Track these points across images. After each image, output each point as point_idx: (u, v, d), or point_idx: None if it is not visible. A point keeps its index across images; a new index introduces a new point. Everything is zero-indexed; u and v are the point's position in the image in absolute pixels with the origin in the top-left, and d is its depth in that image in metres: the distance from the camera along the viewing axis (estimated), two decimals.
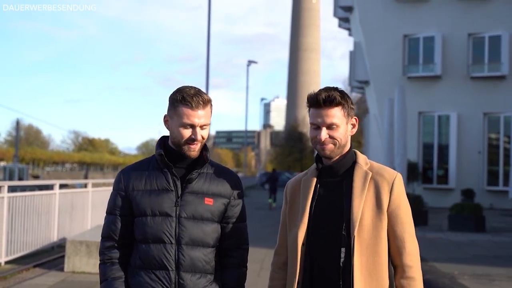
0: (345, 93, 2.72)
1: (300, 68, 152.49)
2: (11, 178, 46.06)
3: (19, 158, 69.20)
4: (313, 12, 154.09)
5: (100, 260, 2.82)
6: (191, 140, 2.74)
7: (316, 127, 2.70)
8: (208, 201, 2.78)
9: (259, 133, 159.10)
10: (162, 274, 2.69)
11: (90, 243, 9.74)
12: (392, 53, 33.87)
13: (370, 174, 2.72)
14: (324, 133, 2.67)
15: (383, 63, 33.99)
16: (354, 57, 37.55)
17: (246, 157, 74.45)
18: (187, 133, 2.73)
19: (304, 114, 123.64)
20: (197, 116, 2.73)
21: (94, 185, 14.76)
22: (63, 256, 10.83)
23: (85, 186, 14.57)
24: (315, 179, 2.78)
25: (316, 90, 2.72)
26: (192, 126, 2.73)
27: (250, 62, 45.22)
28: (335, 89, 2.72)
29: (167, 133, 2.84)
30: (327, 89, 2.71)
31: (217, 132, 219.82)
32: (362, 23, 34.67)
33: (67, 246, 9.90)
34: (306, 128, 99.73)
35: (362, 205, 2.64)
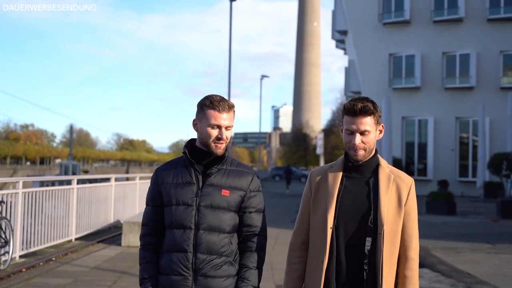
0: (375, 104, 2.59)
1: (303, 80, 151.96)
2: (66, 173, 45.42)
3: (72, 156, 69.72)
4: (315, 33, 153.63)
5: (140, 246, 2.79)
6: (218, 139, 2.66)
7: (350, 133, 2.57)
8: (225, 192, 2.68)
9: (270, 134, 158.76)
10: (182, 255, 2.61)
11: (141, 224, 10.24)
12: (380, 68, 33.76)
13: (393, 176, 2.60)
14: (358, 139, 2.54)
15: (373, 77, 33.85)
16: (348, 72, 37.48)
17: (260, 154, 74.51)
18: (214, 133, 2.66)
19: (308, 118, 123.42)
20: (223, 118, 2.66)
21: (141, 178, 15.22)
22: (119, 234, 11.30)
23: (133, 179, 15.06)
24: (341, 173, 2.62)
25: (354, 99, 2.58)
26: (219, 127, 2.66)
27: (263, 76, 45.41)
28: (368, 99, 2.58)
29: (195, 135, 2.79)
30: (362, 99, 2.57)
31: (235, 134, 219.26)
32: (355, 44, 34.52)
33: (124, 226, 10.34)
34: (309, 130, 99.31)
35: (387, 202, 2.53)
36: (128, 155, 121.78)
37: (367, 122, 2.53)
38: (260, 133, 65.28)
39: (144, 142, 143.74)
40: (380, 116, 2.60)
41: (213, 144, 2.66)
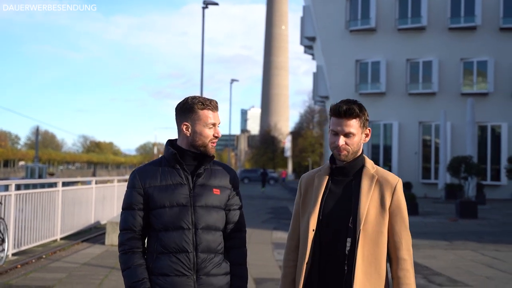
0: (363, 107, 2.62)
1: (271, 83, 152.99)
2: (32, 176, 44.87)
3: (38, 158, 68.83)
4: (283, 37, 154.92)
5: (120, 251, 2.67)
6: (215, 137, 2.69)
7: (335, 134, 2.60)
8: (216, 191, 2.70)
9: (238, 137, 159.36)
10: (183, 256, 2.60)
11: (120, 229, 10.83)
12: (347, 74, 34.79)
13: (376, 177, 2.60)
14: (341, 140, 2.57)
15: (340, 82, 34.84)
16: (317, 77, 38.44)
17: (230, 157, 75.07)
18: (211, 132, 2.68)
19: (276, 121, 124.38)
20: (217, 116, 2.71)
21: (119, 181, 15.77)
22: (101, 234, 11.90)
23: (112, 181, 15.61)
24: (327, 176, 2.66)
25: (338, 101, 2.64)
26: (214, 125, 2.69)
27: (232, 80, 46.18)
28: (355, 102, 2.60)
29: (162, 137, 3.00)
30: (348, 102, 2.60)
31: None
32: (323, 50, 35.48)
33: (107, 226, 10.90)
34: (277, 132, 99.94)
35: (368, 203, 2.53)
36: (95, 158, 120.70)
37: (352, 125, 2.56)
38: (230, 135, 65.87)
39: (111, 144, 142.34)
40: (367, 120, 2.63)
41: (210, 144, 2.68)
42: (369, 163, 2.64)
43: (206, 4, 24.27)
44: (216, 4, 24.27)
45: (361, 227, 2.49)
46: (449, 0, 33.33)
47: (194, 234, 2.61)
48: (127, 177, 17.79)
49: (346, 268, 2.50)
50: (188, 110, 2.68)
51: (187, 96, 2.72)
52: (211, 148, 2.69)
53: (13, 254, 9.07)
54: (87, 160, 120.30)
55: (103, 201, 14.03)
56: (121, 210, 2.75)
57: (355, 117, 2.56)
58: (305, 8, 38.98)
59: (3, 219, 8.40)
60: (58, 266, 8.54)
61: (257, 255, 10.12)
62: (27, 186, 13.47)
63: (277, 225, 15.93)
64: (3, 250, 8.25)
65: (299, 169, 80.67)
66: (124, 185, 15.95)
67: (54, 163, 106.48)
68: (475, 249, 11.80)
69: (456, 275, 8.80)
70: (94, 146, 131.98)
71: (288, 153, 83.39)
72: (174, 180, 2.65)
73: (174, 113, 2.73)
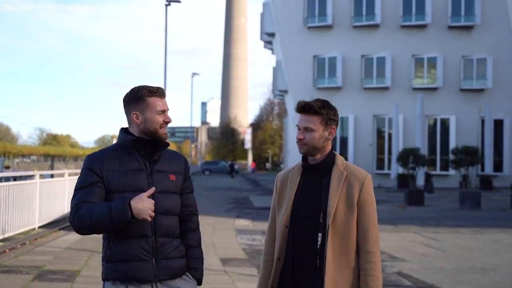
0: (327, 105, 2.69)
1: (231, 75, 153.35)
2: None
3: None
4: (242, 28, 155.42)
5: (73, 220, 2.58)
6: (166, 123, 2.72)
7: (298, 128, 2.70)
8: (172, 177, 2.76)
9: (197, 129, 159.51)
10: (141, 240, 2.62)
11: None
12: (305, 69, 36.19)
13: (345, 173, 2.66)
14: (300, 134, 2.67)
15: (298, 77, 36.22)
16: (276, 72, 39.71)
17: (190, 149, 75.72)
18: (161, 118, 2.70)
19: (235, 112, 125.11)
20: (165, 103, 2.75)
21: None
22: None
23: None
24: (300, 174, 2.75)
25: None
26: (164, 112, 2.72)
27: (194, 74, 46.98)
28: (318, 100, 2.69)
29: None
30: (314, 100, 2.70)
31: None
32: (282, 46, 36.77)
33: None
34: (237, 124, 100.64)
35: (337, 199, 2.60)
36: (52, 150, 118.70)
37: (310, 120, 2.64)
38: (191, 127, 66.57)
39: (68, 137, 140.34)
40: (330, 119, 2.68)
41: (160, 130, 2.71)
42: (339, 160, 2.73)
43: (168, 2, 25.06)
44: (179, 1, 25.07)
45: (330, 222, 2.58)
46: None
47: (153, 219, 2.61)
48: None
49: (318, 261, 2.60)
50: (136, 99, 2.71)
51: (133, 87, 2.76)
52: (163, 133, 2.73)
53: None
54: (44, 153, 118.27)
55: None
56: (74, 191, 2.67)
57: (314, 114, 2.64)
58: (264, 5, 40.11)
59: None
60: (43, 250, 9.46)
61: (222, 239, 11.31)
62: (7, 179, 14.20)
63: (239, 214, 17.11)
64: None
65: (259, 161, 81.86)
66: None
67: (9, 156, 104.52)
68: (417, 231, 13.24)
69: (396, 252, 10.14)
70: (51, 139, 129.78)
71: (248, 145, 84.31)
72: (133, 166, 2.68)
73: (122, 104, 2.77)
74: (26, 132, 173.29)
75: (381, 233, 12.08)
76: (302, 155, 2.74)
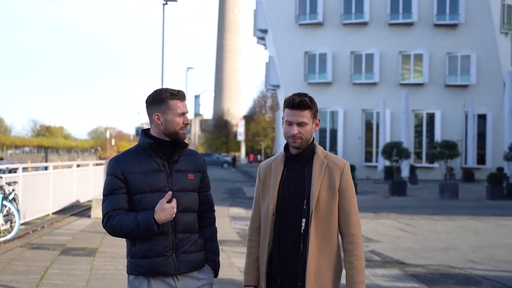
0: (313, 100, 2.79)
1: (224, 67, 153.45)
2: None
3: None
4: (235, 20, 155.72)
5: (107, 227, 2.81)
6: (185, 125, 2.82)
7: (289, 124, 2.76)
8: (191, 176, 2.86)
9: (191, 121, 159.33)
10: (163, 238, 2.75)
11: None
12: (296, 65, 37.36)
13: (326, 162, 2.77)
14: (295, 129, 2.73)
15: (290, 72, 37.40)
16: (269, 67, 40.71)
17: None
18: (181, 120, 2.80)
19: (229, 105, 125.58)
20: (185, 105, 2.85)
21: (95, 165, 17.85)
22: (85, 209, 14.06)
23: (86, 165, 17.66)
24: (283, 164, 2.84)
25: (292, 94, 2.80)
26: (183, 114, 2.82)
27: (188, 68, 48.08)
28: (306, 95, 2.77)
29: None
30: (301, 95, 2.77)
31: None
32: (274, 42, 37.93)
33: (93, 202, 13.05)
34: (230, 116, 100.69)
35: (319, 186, 2.70)
36: (46, 142, 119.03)
37: (304, 115, 2.74)
38: None
39: (61, 128, 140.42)
40: (317, 111, 2.82)
41: (181, 131, 2.83)
42: (319, 149, 2.83)
43: (166, 1, 26.05)
44: (175, 0, 26.05)
45: (314, 208, 2.69)
46: None
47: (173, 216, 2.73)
48: (101, 161, 19.82)
49: (301, 245, 2.71)
50: (159, 101, 2.83)
51: (156, 89, 2.91)
52: (182, 134, 2.85)
53: (22, 224, 11.21)
54: (37, 145, 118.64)
55: (82, 182, 16.10)
56: (102, 196, 2.89)
57: (307, 108, 2.75)
58: (258, 2, 41.12)
59: (17, 196, 10.56)
60: (61, 232, 10.78)
61: (218, 225, 12.43)
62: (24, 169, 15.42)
63: (232, 203, 18.49)
64: (19, 219, 10.41)
65: (252, 153, 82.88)
66: (99, 169, 18.04)
67: (3, 148, 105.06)
68: (395, 218, 14.63)
69: (373, 235, 11.52)
70: (44, 130, 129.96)
71: (241, 137, 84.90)
72: (152, 167, 2.80)
73: (145, 105, 2.90)
74: (19, 124, 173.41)
75: (362, 220, 13.61)
76: (285, 144, 2.89)
